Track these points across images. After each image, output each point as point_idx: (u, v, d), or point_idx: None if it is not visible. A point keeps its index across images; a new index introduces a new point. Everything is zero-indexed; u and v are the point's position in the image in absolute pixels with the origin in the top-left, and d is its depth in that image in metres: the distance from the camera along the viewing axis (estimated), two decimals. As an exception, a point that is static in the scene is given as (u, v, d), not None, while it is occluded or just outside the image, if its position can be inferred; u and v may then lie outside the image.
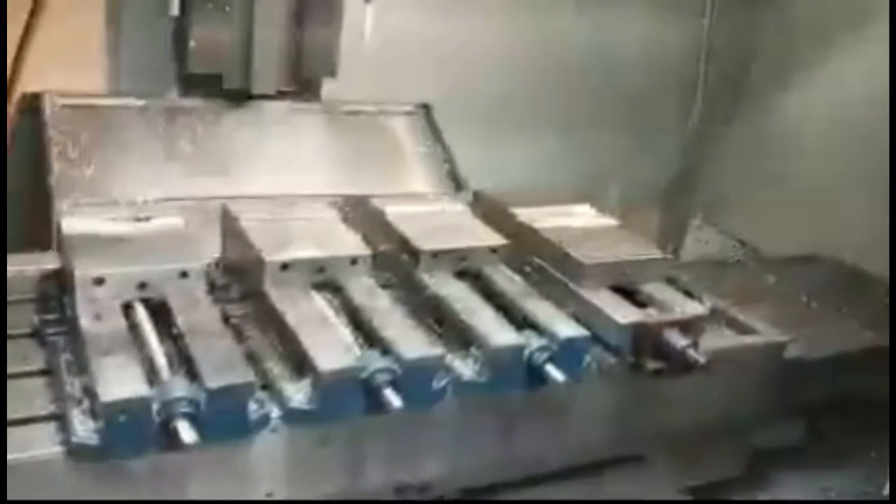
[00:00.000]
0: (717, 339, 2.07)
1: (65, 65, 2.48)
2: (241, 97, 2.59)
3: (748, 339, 2.09)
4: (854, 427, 2.57)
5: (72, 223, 1.74)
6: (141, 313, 1.60)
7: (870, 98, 3.31)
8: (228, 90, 2.56)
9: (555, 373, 1.67)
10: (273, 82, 2.59)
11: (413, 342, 1.62)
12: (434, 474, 1.77)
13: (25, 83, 2.46)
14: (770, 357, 2.13)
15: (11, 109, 2.45)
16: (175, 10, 2.41)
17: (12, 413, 1.41)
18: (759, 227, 3.72)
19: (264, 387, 1.56)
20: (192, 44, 2.44)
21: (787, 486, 2.61)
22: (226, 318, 1.71)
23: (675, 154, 4.04)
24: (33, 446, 1.37)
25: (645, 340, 1.82)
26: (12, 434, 1.38)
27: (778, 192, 3.64)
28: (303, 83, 2.67)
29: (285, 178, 2.55)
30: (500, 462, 1.86)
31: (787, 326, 2.25)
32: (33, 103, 2.40)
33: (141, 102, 2.50)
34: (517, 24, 3.36)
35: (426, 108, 2.91)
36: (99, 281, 1.56)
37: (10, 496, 1.34)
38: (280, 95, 2.64)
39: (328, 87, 2.76)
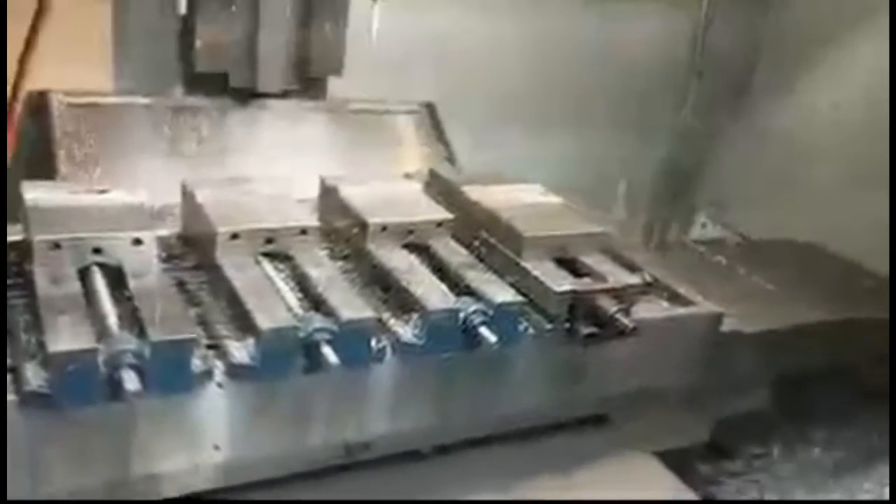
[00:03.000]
0: (655, 310, 2.18)
1: (71, 63, 2.52)
2: (247, 96, 2.62)
3: (684, 310, 2.18)
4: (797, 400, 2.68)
5: (34, 195, 1.84)
6: (96, 278, 1.70)
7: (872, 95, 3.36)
8: (234, 89, 2.60)
9: (488, 335, 1.76)
10: (279, 81, 2.62)
11: (353, 306, 1.72)
12: (380, 434, 1.86)
13: (32, 81, 2.51)
14: (707, 328, 2.22)
15: (18, 108, 2.49)
16: (182, 8, 2.45)
17: (-30, 366, 1.51)
18: (767, 224, 3.71)
19: (211, 346, 1.66)
20: (198, 42, 2.47)
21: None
22: (180, 285, 1.81)
23: (681, 152, 4.08)
24: (-11, 395, 1.46)
25: (579, 307, 1.92)
26: (-29, 385, 1.47)
27: (785, 189, 3.68)
28: (308, 82, 2.71)
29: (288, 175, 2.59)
30: (445, 423, 1.95)
31: (732, 302, 2.36)
32: (40, 102, 2.44)
33: (146, 101, 2.54)
34: (522, 23, 3.41)
35: (430, 107, 2.95)
36: (55, 246, 1.66)
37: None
38: (285, 94, 2.67)
39: (333, 86, 2.80)
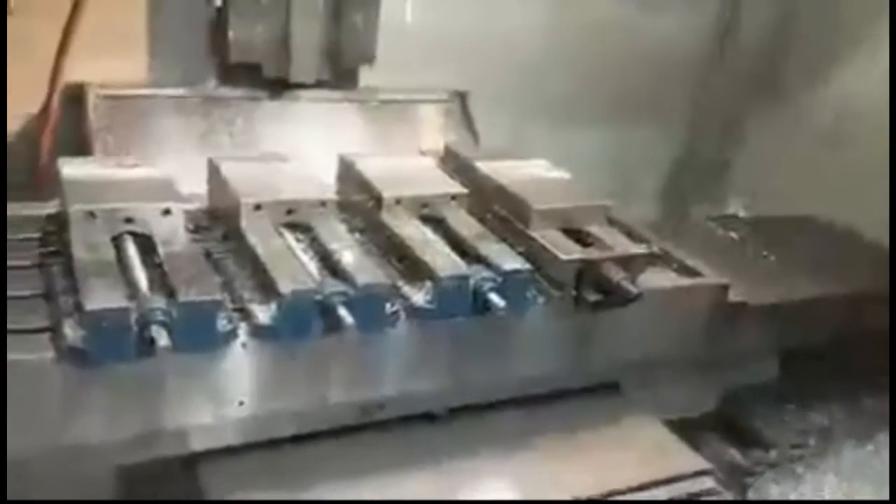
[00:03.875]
0: (662, 280, 2.26)
1: (106, 55, 2.54)
2: (280, 87, 2.66)
3: (691, 281, 2.26)
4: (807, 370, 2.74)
5: (70, 170, 1.96)
6: (128, 245, 1.81)
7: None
8: (267, 80, 2.63)
9: (497, 300, 1.86)
10: (311, 71, 2.65)
11: (368, 272, 1.82)
12: (393, 395, 1.96)
13: (67, 74, 2.52)
14: (714, 299, 2.30)
15: (55, 105, 2.52)
16: (217, 0, 2.52)
17: (14, 326, 1.63)
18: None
19: (236, 309, 1.77)
20: (231, 34, 2.52)
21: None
22: (207, 255, 1.92)
23: (711, 143, 4.06)
24: (31, 351, 1.58)
25: (586, 275, 2.01)
26: (13, 342, 1.59)
27: (818, 177, 3.65)
28: (340, 72, 2.74)
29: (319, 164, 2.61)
30: (456, 386, 2.05)
31: (740, 275, 2.43)
32: (76, 93, 2.50)
33: (180, 92, 2.60)
34: (552, 14, 3.40)
35: (461, 96, 2.98)
36: (90, 215, 1.78)
37: (12, 394, 1.56)
38: (318, 84, 2.71)
39: (365, 75, 2.82)
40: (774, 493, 2.60)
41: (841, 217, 3.30)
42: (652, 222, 2.99)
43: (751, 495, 2.60)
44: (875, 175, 3.37)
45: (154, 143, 2.55)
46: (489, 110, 3.01)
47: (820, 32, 3.77)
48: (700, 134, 4.05)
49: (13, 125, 2.54)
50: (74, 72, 2.50)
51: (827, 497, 2.62)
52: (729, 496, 2.10)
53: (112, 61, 2.53)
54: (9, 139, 2.54)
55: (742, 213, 4.11)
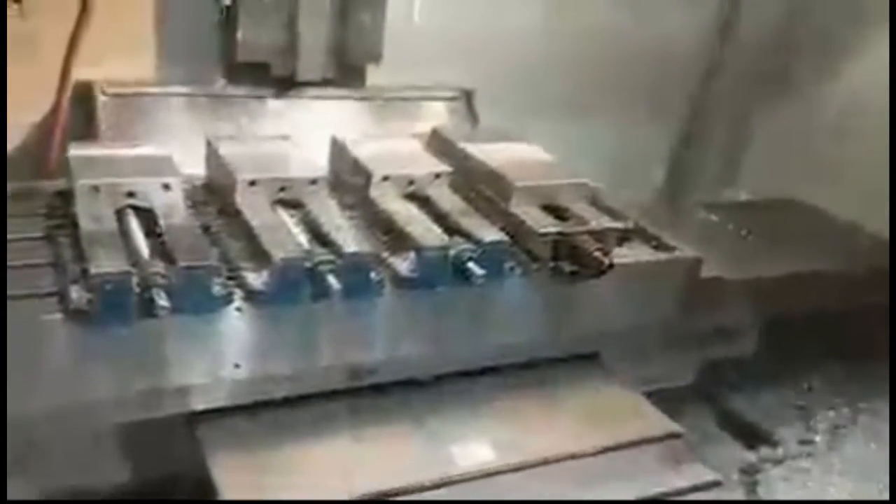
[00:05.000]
0: (638, 255, 2.37)
1: (114, 53, 2.55)
2: (287, 85, 2.68)
3: (665, 255, 2.38)
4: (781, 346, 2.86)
5: (77, 149, 2.09)
6: (130, 218, 1.94)
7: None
8: (275, 78, 2.66)
9: (476, 269, 1.98)
10: (319, 70, 2.67)
11: (355, 242, 1.94)
12: (381, 360, 2.08)
13: (78, 72, 2.53)
14: (687, 273, 2.41)
15: (65, 105, 2.53)
16: None
17: (23, 290, 1.76)
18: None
19: (231, 278, 1.89)
20: (239, 33, 2.54)
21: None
22: (205, 228, 2.04)
23: (718, 137, 4.05)
24: (39, 313, 1.71)
25: (562, 247, 2.13)
26: (23, 305, 1.72)
27: (826, 171, 3.66)
28: (347, 70, 2.75)
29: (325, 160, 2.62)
30: (441, 354, 2.16)
31: (713, 251, 2.55)
32: (85, 92, 2.52)
33: (188, 90, 2.62)
34: (558, 11, 3.39)
35: (468, 94, 3.02)
36: (95, 189, 1.91)
37: (21, 355, 1.68)
38: (325, 82, 2.72)
39: (373, 74, 2.83)
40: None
41: (845, 212, 3.36)
42: (639, 205, 3.07)
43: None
44: (878, 169, 3.43)
45: (162, 140, 2.46)
46: (495, 108, 3.05)
47: (824, 26, 3.78)
48: (702, 128, 4.06)
49: (24, 124, 2.56)
50: (83, 71, 2.53)
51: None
52: (700, 464, 2.21)
53: (120, 60, 2.56)
54: (20, 137, 2.58)
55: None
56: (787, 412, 3.00)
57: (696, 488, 2.04)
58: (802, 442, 2.99)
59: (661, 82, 3.71)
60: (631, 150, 3.79)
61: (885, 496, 2.78)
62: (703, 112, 3.96)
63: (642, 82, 3.64)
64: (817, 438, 2.94)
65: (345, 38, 2.67)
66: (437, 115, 2.98)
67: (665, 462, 2.10)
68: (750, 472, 2.88)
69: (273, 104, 2.71)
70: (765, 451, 2.96)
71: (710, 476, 2.08)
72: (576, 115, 3.50)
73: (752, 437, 2.99)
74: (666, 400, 2.45)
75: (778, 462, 2.91)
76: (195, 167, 2.29)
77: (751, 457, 2.94)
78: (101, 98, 2.49)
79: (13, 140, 2.53)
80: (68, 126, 2.55)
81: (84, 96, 2.54)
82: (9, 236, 1.91)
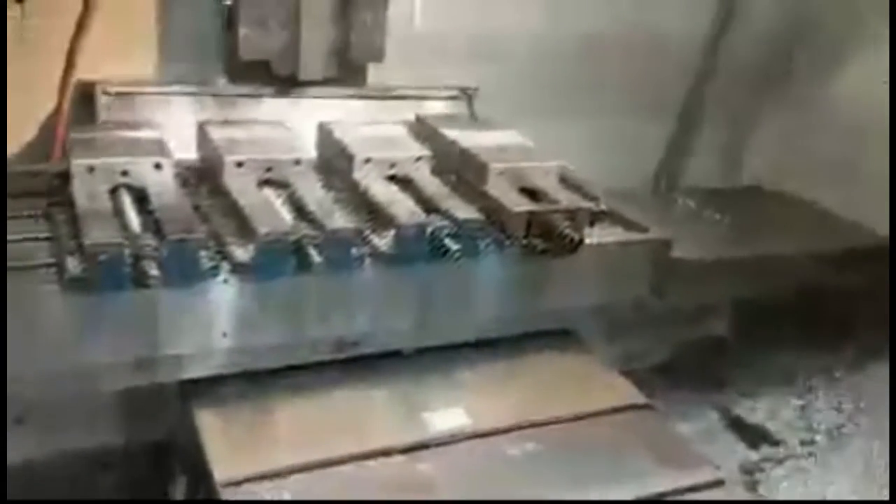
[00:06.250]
0: (610, 235, 2.49)
1: (116, 53, 2.58)
2: (289, 84, 2.71)
3: (636, 235, 2.49)
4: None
5: (77, 133, 2.21)
6: (124, 197, 2.05)
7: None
8: (277, 77, 2.68)
9: (451, 244, 2.09)
10: (320, 69, 2.69)
11: (337, 219, 2.05)
12: (363, 332, 2.20)
13: (81, 71, 2.54)
14: (657, 253, 2.52)
15: (66, 105, 2.56)
16: None
17: (23, 261, 1.87)
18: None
19: (219, 252, 2.00)
20: (241, 32, 2.56)
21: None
22: (195, 207, 2.15)
23: (719, 135, 4.03)
24: (37, 282, 1.82)
25: (534, 226, 2.23)
26: (22, 276, 1.83)
27: (831, 169, 3.66)
28: (349, 69, 2.76)
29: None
30: (420, 327, 2.27)
31: (683, 231, 2.66)
32: (87, 91, 2.54)
33: (190, 89, 2.65)
34: (559, 9, 3.40)
35: (469, 93, 3.02)
36: (90, 169, 2.02)
37: (21, 323, 1.80)
38: (327, 81, 2.74)
39: (374, 72, 2.85)
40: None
41: (845, 210, 3.40)
42: (621, 191, 3.13)
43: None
44: (879, 167, 3.49)
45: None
46: (495, 107, 3.05)
47: (825, 23, 3.80)
48: (701, 125, 4.06)
49: (26, 124, 2.59)
50: (86, 69, 2.55)
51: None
52: (669, 425, 2.31)
53: (122, 59, 2.60)
54: (25, 135, 2.61)
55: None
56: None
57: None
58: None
59: (660, 80, 3.74)
60: (631, 149, 3.82)
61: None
62: (701, 110, 3.98)
63: (642, 78, 3.68)
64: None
65: (346, 38, 2.71)
66: (439, 113, 3.01)
67: (634, 431, 2.21)
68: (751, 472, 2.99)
69: (275, 103, 2.75)
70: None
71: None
72: (576, 115, 3.53)
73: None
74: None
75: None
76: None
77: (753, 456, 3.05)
78: (103, 97, 2.55)
79: (14, 140, 2.58)
80: (70, 125, 2.57)
81: (86, 95, 2.58)
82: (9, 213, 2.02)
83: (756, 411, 3.05)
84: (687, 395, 3.10)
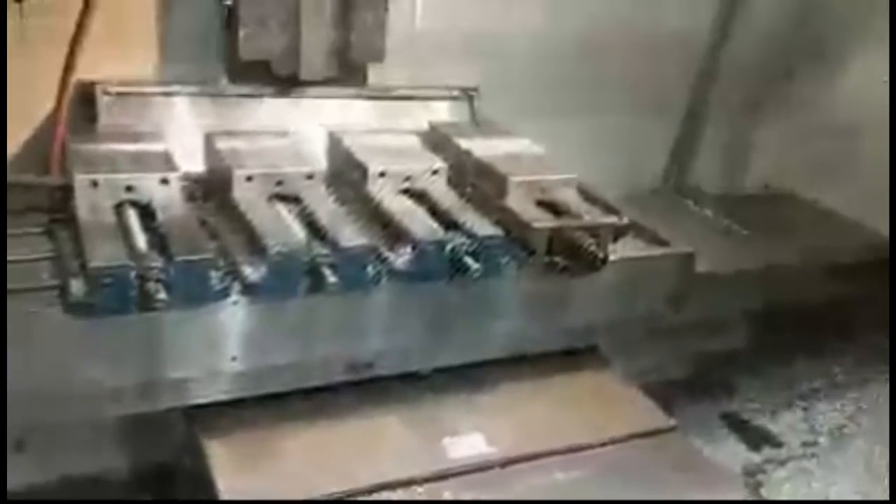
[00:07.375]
0: (633, 249, 2.40)
1: (116, 53, 2.52)
2: (290, 84, 2.65)
3: (659, 250, 2.40)
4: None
5: (77, 145, 2.12)
6: (129, 213, 1.96)
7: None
8: (277, 77, 2.63)
9: (471, 263, 2.00)
10: (321, 69, 2.64)
11: (351, 236, 1.96)
12: (379, 352, 2.11)
13: (80, 71, 2.48)
14: (681, 267, 2.43)
15: (65, 106, 2.46)
16: None
17: (25, 284, 1.78)
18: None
19: (229, 272, 1.91)
20: (241, 31, 2.51)
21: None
22: (202, 223, 2.06)
23: (723, 136, 3.97)
24: (40, 306, 1.73)
25: (556, 242, 2.14)
26: (24, 299, 1.74)
27: (834, 169, 3.64)
28: (350, 69, 2.71)
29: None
30: (438, 347, 2.19)
31: (707, 246, 2.58)
32: (87, 91, 2.48)
33: (191, 89, 2.59)
34: (561, 9, 3.32)
35: (470, 93, 2.98)
36: (94, 184, 1.93)
37: (23, 346, 1.70)
38: (327, 81, 2.69)
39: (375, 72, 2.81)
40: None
41: (847, 209, 3.38)
42: (633, 198, 3.07)
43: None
44: (880, 166, 3.44)
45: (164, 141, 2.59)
46: (496, 106, 3.01)
47: (826, 22, 3.78)
48: (706, 126, 4.03)
49: (25, 124, 2.52)
50: (86, 69, 2.49)
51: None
52: (698, 453, 2.24)
53: (122, 59, 2.55)
54: (24, 135, 2.53)
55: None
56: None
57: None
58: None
59: (664, 80, 3.70)
60: (634, 148, 3.78)
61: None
62: (706, 110, 3.94)
63: (644, 77, 3.64)
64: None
65: (347, 38, 2.66)
66: (438, 113, 2.96)
67: (661, 456, 2.13)
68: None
69: (276, 103, 2.70)
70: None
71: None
72: (577, 114, 3.49)
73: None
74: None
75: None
76: (196, 166, 2.31)
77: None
78: (103, 98, 2.49)
79: (14, 140, 2.51)
80: (70, 125, 2.48)
81: (86, 96, 2.53)
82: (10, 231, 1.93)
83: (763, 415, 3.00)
84: (703, 406, 3.04)
